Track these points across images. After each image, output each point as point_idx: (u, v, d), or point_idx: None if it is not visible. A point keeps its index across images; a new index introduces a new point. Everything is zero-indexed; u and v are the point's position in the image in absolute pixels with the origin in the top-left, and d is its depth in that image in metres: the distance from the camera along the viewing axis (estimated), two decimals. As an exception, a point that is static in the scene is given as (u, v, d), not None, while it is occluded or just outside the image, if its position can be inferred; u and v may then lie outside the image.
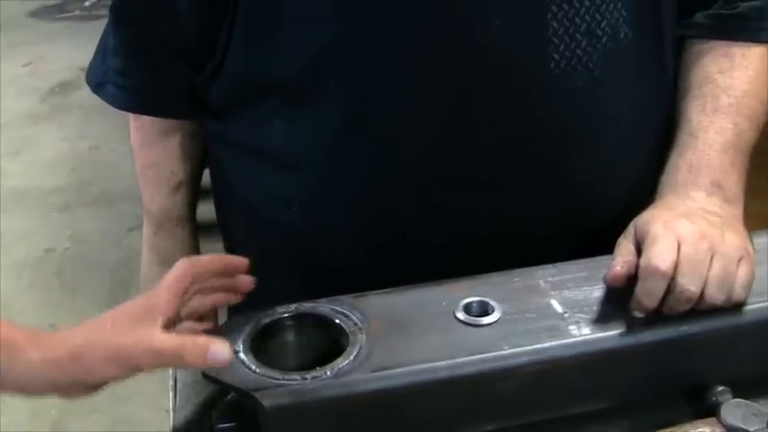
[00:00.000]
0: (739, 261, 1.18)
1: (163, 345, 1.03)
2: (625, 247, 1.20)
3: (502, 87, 1.29)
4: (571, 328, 1.15)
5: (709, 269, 1.16)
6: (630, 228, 1.23)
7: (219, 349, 1.04)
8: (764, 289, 1.20)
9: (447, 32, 1.26)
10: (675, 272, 1.14)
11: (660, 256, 1.14)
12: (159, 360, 1.04)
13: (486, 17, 1.26)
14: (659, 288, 1.14)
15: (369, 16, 1.26)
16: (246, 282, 1.21)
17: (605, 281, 1.18)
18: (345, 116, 1.30)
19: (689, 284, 1.14)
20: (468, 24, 1.26)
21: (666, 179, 1.35)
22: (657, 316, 1.15)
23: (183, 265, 1.12)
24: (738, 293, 1.17)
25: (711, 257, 1.16)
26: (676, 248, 1.15)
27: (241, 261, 1.21)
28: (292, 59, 1.30)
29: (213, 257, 1.19)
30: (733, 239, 1.20)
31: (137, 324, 1.04)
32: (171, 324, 1.08)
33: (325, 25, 1.27)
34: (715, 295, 1.15)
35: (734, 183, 1.33)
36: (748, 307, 1.19)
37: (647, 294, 1.14)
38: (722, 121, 1.36)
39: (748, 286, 1.18)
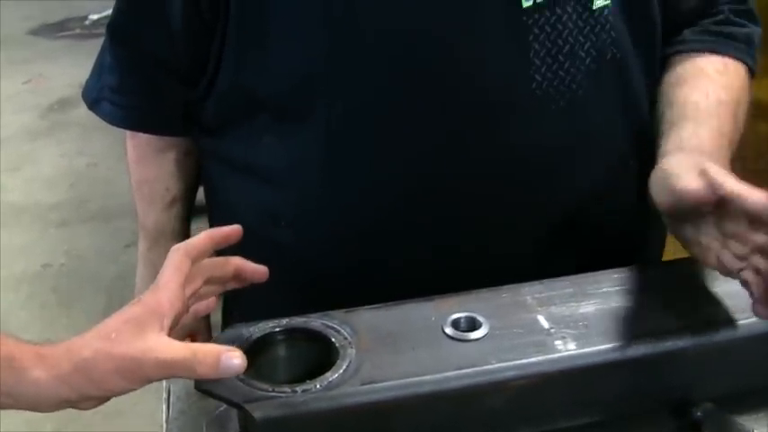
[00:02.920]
0: None
1: (173, 355, 1.00)
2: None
3: (485, 107, 1.31)
4: (557, 343, 1.16)
5: None
6: (687, 170, 1.16)
7: (232, 357, 1.02)
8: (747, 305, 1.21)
9: (430, 52, 1.28)
10: None
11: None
12: (170, 372, 1.01)
13: (467, 38, 1.28)
14: None
15: (355, 35, 1.28)
16: (253, 271, 1.20)
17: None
18: (333, 133, 1.32)
19: None
20: (450, 44, 1.28)
21: (690, 140, 1.28)
22: (643, 331, 1.17)
23: (176, 255, 1.09)
24: None
25: None
26: None
27: (232, 230, 1.19)
28: (281, 77, 1.32)
29: (204, 236, 1.15)
30: None
31: (142, 331, 1.00)
32: (177, 322, 1.05)
33: (313, 43, 1.29)
34: None
35: None
36: (735, 323, 1.20)
37: None
38: (725, 114, 1.35)
39: None
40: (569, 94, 1.32)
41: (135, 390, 1.01)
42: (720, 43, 1.43)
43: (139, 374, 1.00)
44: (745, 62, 1.44)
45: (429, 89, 1.30)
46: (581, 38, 1.32)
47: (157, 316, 1.02)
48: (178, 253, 1.10)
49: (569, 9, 1.31)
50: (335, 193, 1.35)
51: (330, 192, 1.35)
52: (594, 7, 1.32)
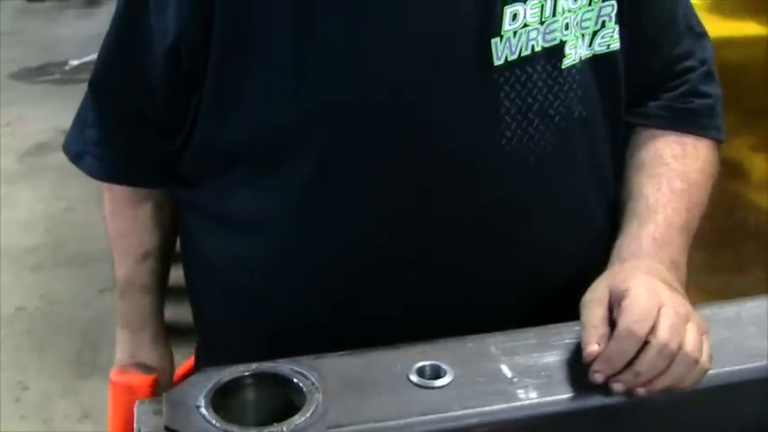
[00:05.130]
0: (704, 334, 1.21)
1: None
2: (596, 316, 1.21)
3: (455, 162, 1.34)
4: (519, 392, 1.19)
5: (685, 332, 1.19)
6: (602, 289, 1.24)
7: None
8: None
9: (402, 110, 1.32)
10: (655, 328, 1.17)
11: (640, 321, 1.17)
12: None
13: (439, 95, 1.31)
14: (633, 350, 1.16)
15: (330, 97, 1.31)
16: None
17: (585, 358, 1.19)
18: (304, 188, 1.35)
19: (671, 342, 1.16)
20: (422, 101, 1.32)
21: (629, 247, 1.37)
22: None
23: None
24: (705, 362, 1.20)
25: (687, 323, 1.19)
26: (656, 312, 1.18)
27: None
28: (255, 133, 1.35)
29: None
30: (696, 314, 1.23)
31: None
32: None
33: (288, 102, 1.33)
34: (695, 353, 1.18)
35: (684, 266, 1.37)
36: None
37: (621, 354, 1.17)
38: (677, 203, 1.40)
39: (709, 360, 1.21)
40: (538, 150, 1.35)
41: None
42: (682, 121, 1.47)
43: None
44: (708, 136, 1.48)
45: (400, 146, 1.33)
46: (550, 96, 1.35)
47: None
48: None
49: (539, 68, 1.34)
50: (308, 245, 1.38)
51: (303, 244, 1.38)
52: (564, 66, 1.36)
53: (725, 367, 1.24)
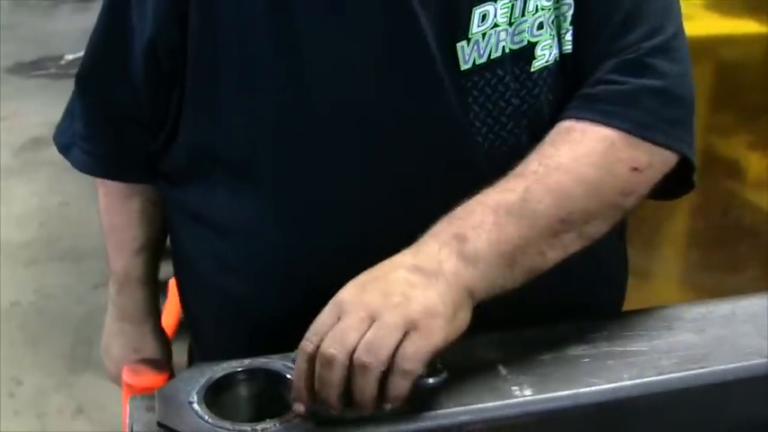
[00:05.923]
0: (410, 329, 1.12)
1: None
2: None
3: (429, 164, 1.33)
4: (514, 389, 1.19)
5: (362, 334, 1.12)
6: None
7: None
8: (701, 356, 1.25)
9: (374, 110, 1.31)
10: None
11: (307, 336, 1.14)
12: None
13: (409, 103, 1.31)
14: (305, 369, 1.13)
15: (304, 105, 1.31)
16: None
17: None
18: (285, 188, 1.35)
19: (329, 348, 1.11)
20: (392, 110, 1.31)
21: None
22: (599, 379, 1.20)
23: None
24: (402, 363, 1.11)
25: (371, 323, 1.12)
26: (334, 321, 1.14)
27: None
28: (230, 136, 1.36)
29: None
30: (417, 303, 1.14)
31: None
32: None
33: (262, 109, 1.33)
34: (362, 358, 1.10)
35: (485, 241, 1.20)
36: (688, 373, 1.22)
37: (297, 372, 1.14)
38: (514, 184, 1.25)
39: (417, 355, 1.12)
40: (510, 154, 1.31)
41: None
42: (577, 108, 1.32)
43: None
44: (608, 125, 1.29)
45: (377, 148, 1.32)
46: (520, 99, 1.33)
47: None
48: None
49: (508, 71, 1.32)
50: (287, 248, 1.37)
51: (282, 246, 1.37)
52: (533, 69, 1.33)
53: (720, 365, 1.24)
